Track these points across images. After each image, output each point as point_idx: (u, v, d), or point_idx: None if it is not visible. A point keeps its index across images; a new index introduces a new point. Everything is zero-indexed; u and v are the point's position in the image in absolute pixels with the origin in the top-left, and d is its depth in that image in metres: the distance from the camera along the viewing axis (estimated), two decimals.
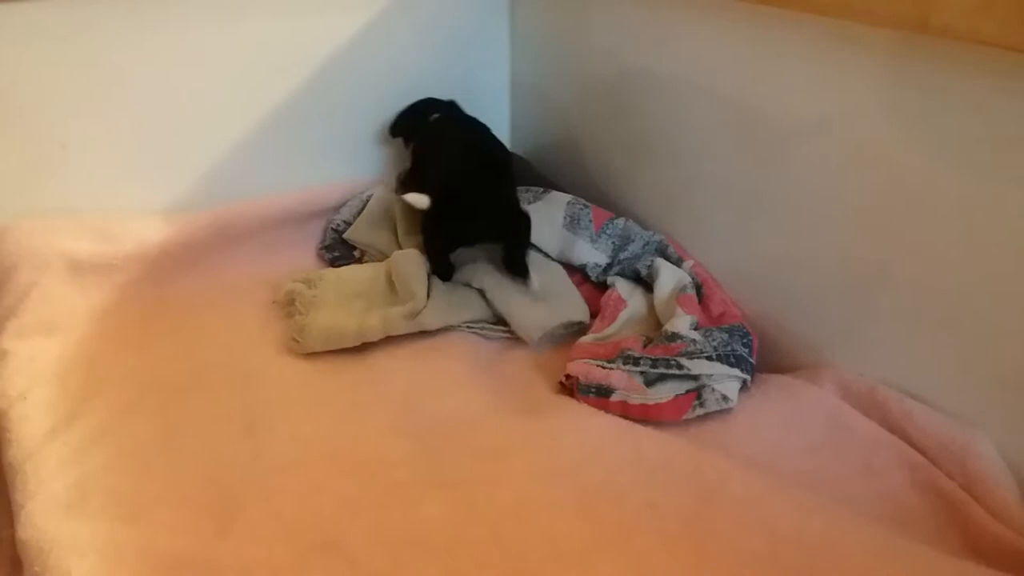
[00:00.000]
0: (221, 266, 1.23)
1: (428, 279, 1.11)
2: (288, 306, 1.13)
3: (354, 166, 1.38)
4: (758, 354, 1.01)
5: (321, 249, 1.30)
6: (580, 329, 1.10)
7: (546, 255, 1.19)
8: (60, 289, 1.08)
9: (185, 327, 1.11)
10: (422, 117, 1.32)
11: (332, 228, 1.31)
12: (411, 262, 1.12)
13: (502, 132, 1.54)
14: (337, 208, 1.33)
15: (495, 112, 1.52)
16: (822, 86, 0.93)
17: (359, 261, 1.28)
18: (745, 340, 0.99)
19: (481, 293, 1.12)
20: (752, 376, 0.97)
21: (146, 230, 1.18)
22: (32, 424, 0.91)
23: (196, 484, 0.84)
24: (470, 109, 1.37)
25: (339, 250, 1.30)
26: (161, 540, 0.77)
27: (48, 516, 0.78)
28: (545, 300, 1.11)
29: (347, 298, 1.11)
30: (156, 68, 1.19)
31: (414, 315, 1.05)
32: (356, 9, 1.31)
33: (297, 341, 1.05)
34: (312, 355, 1.04)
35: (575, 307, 1.11)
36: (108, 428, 0.91)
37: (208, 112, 1.24)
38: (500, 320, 1.11)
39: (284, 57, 1.28)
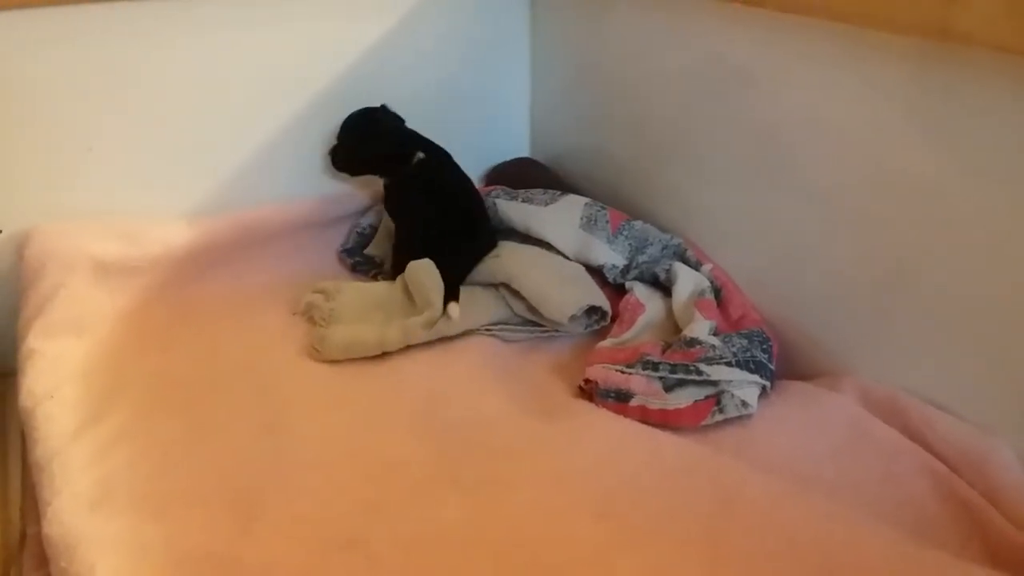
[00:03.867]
0: (244, 269, 1.24)
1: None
2: (307, 315, 1.14)
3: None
4: (778, 360, 1.01)
5: (342, 252, 1.31)
6: (600, 330, 1.11)
7: (564, 256, 1.19)
8: (86, 290, 1.10)
9: (208, 329, 1.12)
10: (399, 151, 1.24)
11: (357, 232, 1.32)
12: (426, 271, 1.13)
13: (522, 137, 1.55)
14: (362, 212, 1.34)
15: (515, 116, 1.53)
16: (843, 92, 0.93)
17: (379, 268, 1.29)
18: (765, 346, 0.99)
19: (505, 287, 1.12)
20: (772, 382, 0.97)
21: (170, 233, 1.19)
22: (58, 423, 0.92)
23: (218, 483, 0.85)
24: (491, 113, 1.37)
25: (359, 255, 1.31)
26: (184, 537, 0.78)
27: (74, 513, 0.80)
28: (573, 285, 1.12)
29: (366, 310, 1.12)
30: (181, 73, 1.21)
31: (432, 323, 1.06)
32: (379, 16, 1.32)
33: (318, 350, 1.06)
34: (333, 360, 1.05)
35: (601, 297, 1.12)
36: (132, 427, 0.92)
37: (232, 117, 1.25)
38: (520, 320, 1.12)
39: (307, 62, 1.29)
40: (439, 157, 1.25)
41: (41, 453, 0.88)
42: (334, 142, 1.28)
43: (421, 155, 1.23)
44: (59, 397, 0.95)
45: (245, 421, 0.94)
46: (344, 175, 1.31)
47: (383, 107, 1.27)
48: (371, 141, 1.25)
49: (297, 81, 1.29)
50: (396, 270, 1.19)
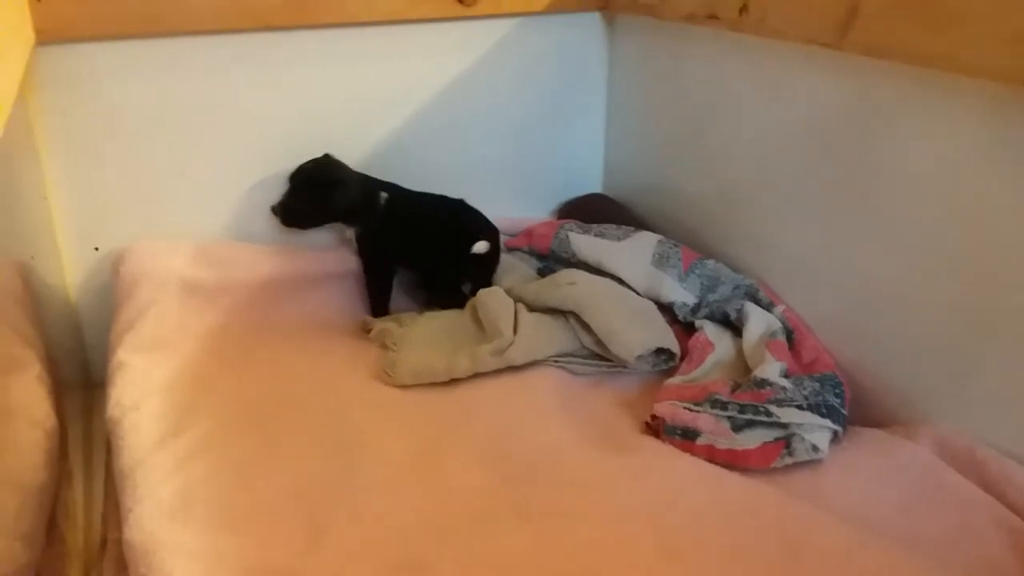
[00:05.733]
0: (322, 299, 1.28)
1: (515, 315, 1.13)
2: (379, 341, 1.17)
3: None
4: (850, 405, 0.99)
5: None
6: (668, 369, 1.11)
7: (635, 292, 1.19)
8: (175, 308, 1.15)
9: (285, 351, 1.15)
10: (367, 196, 1.25)
11: None
12: (497, 300, 1.15)
13: (596, 172, 1.57)
14: None
15: (590, 152, 1.55)
16: (924, 136, 0.92)
17: None
18: (837, 390, 0.98)
19: (574, 317, 1.12)
20: (844, 428, 0.95)
21: (255, 259, 1.25)
22: (143, 433, 0.96)
23: (290, 499, 0.87)
24: (566, 150, 1.36)
25: None
26: (255, 550, 0.80)
27: (154, 520, 0.83)
28: (643, 324, 1.12)
29: (436, 337, 1.14)
30: (273, 106, 1.27)
31: (501, 352, 1.07)
32: (458, 54, 1.36)
33: (389, 375, 1.08)
34: (403, 385, 1.07)
35: (669, 338, 1.12)
36: (211, 441, 0.95)
37: (316, 152, 1.28)
38: (587, 353, 1.12)
39: (388, 98, 1.34)
40: (399, 190, 1.27)
41: (125, 462, 0.92)
42: (279, 198, 1.25)
43: (385, 195, 1.25)
44: (144, 409, 0.99)
45: (317, 441, 0.96)
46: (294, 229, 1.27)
47: (328, 156, 1.26)
48: (338, 191, 1.23)
49: (377, 117, 1.34)
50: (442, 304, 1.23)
